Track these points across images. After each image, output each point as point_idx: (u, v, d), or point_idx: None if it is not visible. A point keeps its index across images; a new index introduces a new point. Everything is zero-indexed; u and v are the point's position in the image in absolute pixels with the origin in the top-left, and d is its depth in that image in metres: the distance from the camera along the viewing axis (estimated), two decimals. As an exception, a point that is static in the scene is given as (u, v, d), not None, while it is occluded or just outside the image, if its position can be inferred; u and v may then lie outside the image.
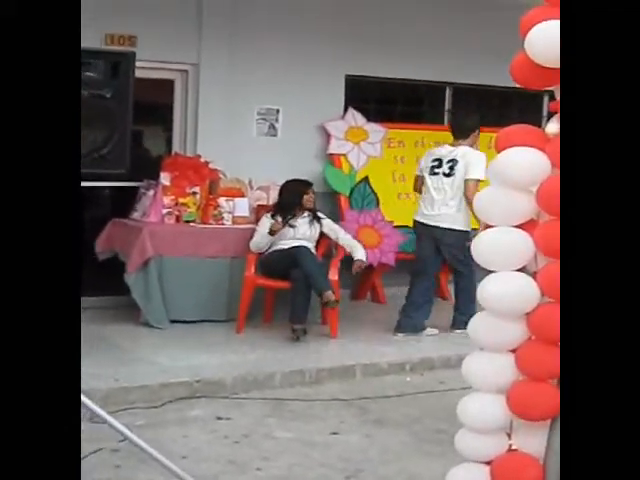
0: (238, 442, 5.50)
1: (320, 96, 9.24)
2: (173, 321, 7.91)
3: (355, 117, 9.42)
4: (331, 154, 9.33)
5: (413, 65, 9.55)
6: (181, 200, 8.21)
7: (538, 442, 2.85)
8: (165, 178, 8.21)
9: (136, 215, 8.26)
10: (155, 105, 9.09)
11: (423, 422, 5.97)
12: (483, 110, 9.66)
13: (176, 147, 8.89)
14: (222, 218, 8.28)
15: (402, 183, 9.49)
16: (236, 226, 8.27)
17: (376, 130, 9.48)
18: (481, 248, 2.80)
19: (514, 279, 2.78)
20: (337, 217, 9.05)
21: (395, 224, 9.36)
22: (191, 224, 8.20)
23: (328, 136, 9.30)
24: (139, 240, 7.73)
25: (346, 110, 9.44)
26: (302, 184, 8.10)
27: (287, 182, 8.13)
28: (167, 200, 8.16)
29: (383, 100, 9.97)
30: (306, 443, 5.52)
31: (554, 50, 2.56)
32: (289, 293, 7.70)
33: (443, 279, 9.38)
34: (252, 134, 9.02)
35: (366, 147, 9.41)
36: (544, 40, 2.67)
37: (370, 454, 5.40)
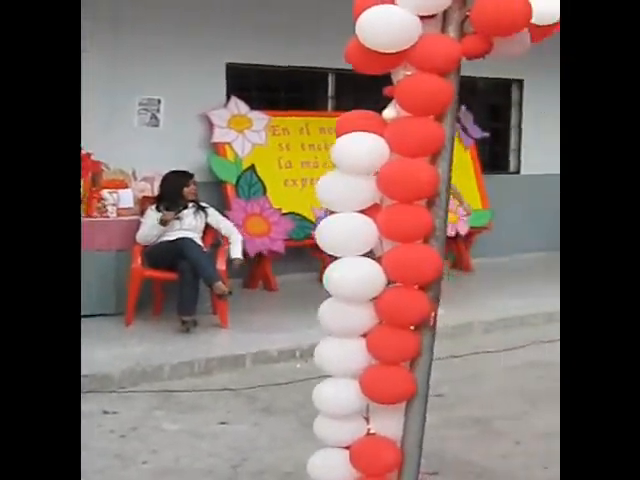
0: (125, 436, 5.47)
1: (202, 85, 9.19)
2: (60, 316, 7.79)
3: (238, 105, 9.40)
4: (215, 143, 9.29)
5: (295, 52, 9.57)
6: (63, 193, 8.07)
7: (395, 425, 2.89)
8: (46, 171, 8.06)
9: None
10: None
11: (311, 408, 5.99)
12: (365, 95, 9.73)
13: (57, 140, 8.72)
14: (106, 210, 8.20)
15: (288, 170, 9.53)
16: (121, 218, 8.20)
17: (260, 118, 9.47)
18: (325, 234, 2.82)
19: (359, 264, 2.80)
20: (224, 206, 9.03)
21: (283, 211, 9.38)
22: (75, 218, 8.07)
23: (211, 125, 9.26)
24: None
25: (229, 99, 9.41)
26: (182, 176, 8.05)
27: (167, 174, 8.09)
28: (49, 194, 8.02)
29: (265, 88, 9.96)
30: (194, 434, 5.52)
31: (384, 35, 2.61)
32: (176, 285, 7.66)
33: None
34: (134, 125, 8.92)
35: (250, 135, 9.40)
36: (374, 25, 2.70)
37: (258, 442, 5.42)
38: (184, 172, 8.10)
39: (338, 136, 2.85)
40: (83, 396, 6.05)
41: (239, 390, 6.41)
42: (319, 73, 10.15)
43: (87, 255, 7.76)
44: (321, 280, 8.95)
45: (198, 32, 9.06)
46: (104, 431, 5.53)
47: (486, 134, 11.10)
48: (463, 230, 10.57)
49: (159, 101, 9.04)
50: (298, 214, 9.46)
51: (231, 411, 5.98)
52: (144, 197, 8.39)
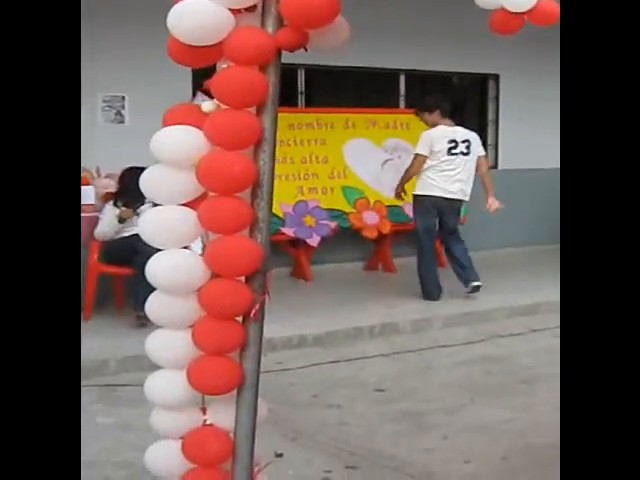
0: (54, 430, 5.50)
1: (167, 81, 9.18)
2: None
3: (205, 100, 9.38)
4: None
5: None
6: (24, 190, 8.14)
7: (230, 416, 2.90)
8: (7, 168, 8.13)
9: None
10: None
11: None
12: (336, 90, 9.78)
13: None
14: (71, 206, 8.23)
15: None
16: (82, 214, 8.21)
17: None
18: (147, 227, 2.84)
19: (178, 256, 2.82)
20: (190, 202, 9.04)
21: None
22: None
23: (178, 121, 9.26)
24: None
25: (194, 94, 9.42)
26: (141, 171, 8.03)
27: (125, 170, 8.11)
28: (10, 190, 8.09)
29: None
30: (124, 427, 5.55)
31: (193, 29, 2.64)
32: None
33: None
34: (98, 121, 8.97)
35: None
36: (182, 18, 2.72)
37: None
38: (142, 168, 8.08)
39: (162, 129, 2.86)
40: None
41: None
42: (289, 69, 10.14)
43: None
44: (293, 275, 9.04)
45: (162, 26, 9.03)
46: (34, 424, 5.56)
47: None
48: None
49: (123, 98, 9.08)
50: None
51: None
52: (108, 193, 8.42)
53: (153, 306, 2.88)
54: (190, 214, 2.76)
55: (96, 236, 7.90)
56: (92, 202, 8.33)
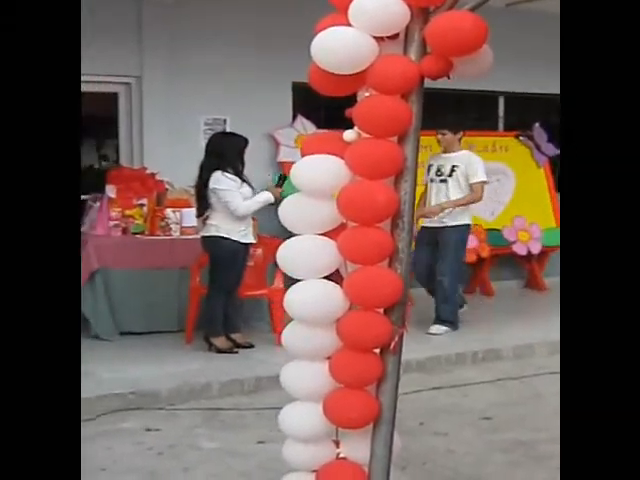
0: (162, 453, 5.52)
1: (268, 104, 9.26)
2: (124, 333, 7.93)
3: (304, 124, 9.44)
4: (281, 162, 9.34)
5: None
6: (128, 212, 8.24)
7: (364, 449, 2.85)
8: (111, 190, 8.24)
9: (83, 228, 8.29)
10: (101, 119, 9.13)
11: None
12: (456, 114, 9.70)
13: (122, 159, 8.91)
14: (170, 229, 8.30)
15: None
16: (184, 237, 8.29)
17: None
18: (286, 256, 2.80)
19: (319, 287, 2.78)
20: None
21: (349, 230, 9.35)
22: (138, 236, 8.22)
23: (277, 144, 9.32)
24: (84, 253, 7.76)
25: (295, 118, 9.46)
26: (232, 135, 7.64)
27: (220, 134, 7.93)
28: (114, 212, 8.19)
29: (332, 106, 9.94)
30: (229, 453, 5.53)
31: (337, 57, 2.60)
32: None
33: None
34: (200, 144, 9.00)
35: (317, 154, 9.41)
36: (327, 47, 2.69)
37: (294, 462, 5.40)
38: (231, 133, 7.85)
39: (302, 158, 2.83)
40: (130, 412, 6.18)
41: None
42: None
43: (149, 273, 7.94)
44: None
45: (264, 51, 9.14)
46: (143, 448, 5.58)
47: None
48: (535, 249, 10.41)
49: (225, 121, 9.15)
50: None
51: (273, 430, 5.94)
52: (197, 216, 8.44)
53: (290, 337, 2.84)
54: (330, 244, 2.72)
55: (242, 213, 7.29)
56: (194, 224, 8.36)
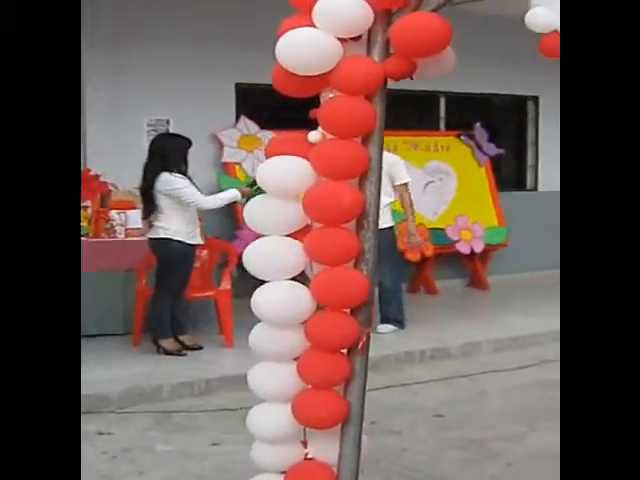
0: (116, 457, 5.47)
1: (211, 105, 9.24)
2: (69, 337, 7.84)
3: (247, 125, 9.43)
4: (225, 163, 9.33)
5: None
6: (72, 215, 8.13)
7: (332, 450, 2.86)
8: (54, 193, 8.14)
9: (27, 231, 8.18)
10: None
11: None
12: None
13: (65, 162, 8.81)
14: (115, 231, 8.24)
15: (298, 189, 9.51)
16: (129, 238, 8.23)
17: (269, 137, 9.46)
18: (251, 258, 2.80)
19: (284, 288, 2.78)
20: (234, 226, 9.05)
21: (294, 230, 9.36)
22: (83, 238, 8.13)
23: (220, 145, 9.30)
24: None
25: (238, 118, 9.44)
26: (183, 138, 7.50)
27: (163, 135, 7.98)
28: (57, 215, 8.09)
29: (276, 107, 9.95)
30: (184, 455, 5.50)
31: (302, 58, 2.61)
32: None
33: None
34: (143, 145, 8.94)
35: (260, 155, 9.39)
36: (291, 48, 2.70)
37: (248, 463, 5.38)
38: (174, 134, 7.85)
39: (267, 159, 2.83)
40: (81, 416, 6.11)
41: (238, 411, 6.36)
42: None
43: (95, 275, 7.85)
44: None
45: (207, 52, 9.11)
46: (96, 452, 5.53)
47: (501, 151, 11.03)
48: (478, 248, 10.52)
49: (168, 122, 9.09)
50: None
51: (226, 432, 5.95)
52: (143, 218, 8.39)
53: (257, 338, 2.84)
54: (296, 245, 2.73)
55: (208, 207, 7.37)
56: (139, 226, 8.30)
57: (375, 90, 2.71)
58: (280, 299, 2.76)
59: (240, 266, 7.81)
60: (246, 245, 8.04)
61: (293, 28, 2.72)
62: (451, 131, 10.99)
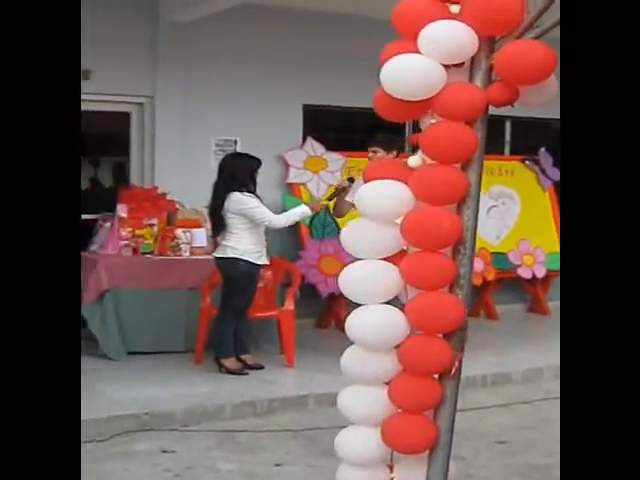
0: (179, 475, 5.48)
1: (278, 126, 9.28)
2: (132, 353, 7.90)
3: (314, 146, 9.46)
4: (290, 183, 9.36)
5: (371, 93, 9.57)
6: (138, 232, 8.23)
7: (419, 474, 2.85)
8: (122, 210, 8.23)
9: (94, 247, 8.28)
10: (112, 138, 9.12)
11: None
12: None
13: (133, 179, 8.90)
14: (180, 249, 8.28)
15: (362, 211, 9.51)
16: (194, 257, 8.27)
17: (335, 159, 9.52)
18: (347, 281, 2.81)
19: (380, 311, 2.78)
20: (298, 246, 9.07)
21: (356, 252, 9.36)
22: (148, 256, 8.20)
23: (287, 165, 9.34)
24: (94, 272, 7.74)
25: (305, 139, 9.48)
26: (252, 158, 7.55)
27: (233, 155, 7.92)
28: (124, 232, 8.18)
29: (342, 129, 10.00)
30: (247, 475, 5.50)
31: (407, 83, 2.61)
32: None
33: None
34: (210, 165, 9.02)
35: (325, 176, 9.45)
36: (397, 73, 2.70)
37: (312, 485, 5.39)
38: (243, 153, 7.81)
39: (365, 183, 2.84)
40: (144, 433, 6.15)
41: (299, 431, 6.37)
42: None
43: (158, 293, 7.91)
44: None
45: (275, 73, 9.18)
46: (159, 470, 5.55)
47: (566, 177, 10.94)
48: (540, 273, 10.45)
49: (235, 142, 9.15)
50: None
51: (289, 453, 5.95)
52: (212, 237, 8.44)
53: (348, 361, 2.84)
54: (392, 269, 2.73)
55: (277, 225, 7.39)
56: (204, 245, 8.35)
57: (477, 116, 2.71)
58: (375, 322, 2.76)
59: (302, 287, 7.90)
60: (307, 266, 8.19)
61: (397, 54, 2.72)
62: (516, 155, 10.94)
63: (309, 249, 9.15)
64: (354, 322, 2.81)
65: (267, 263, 7.51)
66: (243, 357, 7.62)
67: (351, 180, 7.77)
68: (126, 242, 8.16)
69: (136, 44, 8.58)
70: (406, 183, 2.76)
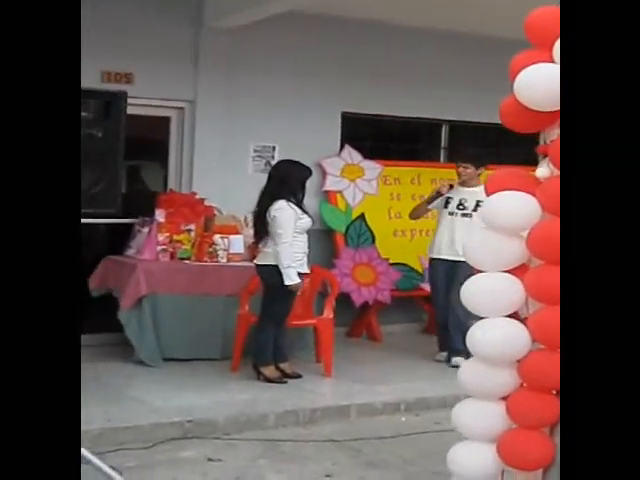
0: (230, 485, 5.43)
1: (316, 133, 9.22)
2: (167, 359, 7.82)
3: (351, 154, 9.41)
4: (327, 191, 9.31)
5: (409, 102, 9.57)
6: (176, 237, 8.16)
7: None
8: (160, 215, 8.17)
9: (131, 252, 8.21)
10: (151, 142, 9.06)
11: (418, 463, 5.87)
12: (479, 147, 9.68)
13: (171, 184, 8.85)
14: (217, 255, 8.21)
15: (398, 220, 9.47)
16: (231, 263, 8.20)
17: (372, 167, 9.47)
18: (471, 293, 2.73)
19: (504, 325, 2.70)
20: (333, 254, 9.02)
21: (391, 262, 9.31)
22: (186, 261, 8.14)
23: (324, 173, 9.28)
24: (133, 277, 7.67)
25: (342, 147, 9.43)
26: (295, 163, 7.46)
27: (285, 162, 7.61)
28: (162, 237, 8.11)
29: (379, 137, 9.95)
30: (298, 485, 5.45)
31: (543, 93, 2.54)
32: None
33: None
34: (248, 171, 8.98)
35: (362, 184, 9.40)
36: (533, 83, 2.63)
37: (364, 497, 5.32)
38: (294, 161, 7.52)
39: (488, 194, 2.76)
40: (188, 441, 6.08)
41: (343, 442, 6.30)
42: (432, 124, 10.11)
43: (195, 299, 7.84)
44: (426, 332, 8.85)
45: (314, 81, 9.14)
46: (208, 479, 5.48)
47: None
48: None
49: (274, 148, 9.09)
50: (406, 265, 9.42)
51: (336, 463, 5.88)
52: (253, 243, 8.37)
53: (466, 374, 2.76)
54: (516, 282, 2.65)
55: (281, 251, 7.10)
56: (241, 251, 8.29)
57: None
58: (499, 336, 2.69)
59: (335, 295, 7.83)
60: (341, 274, 8.12)
61: (530, 64, 2.66)
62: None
63: (344, 257, 9.09)
64: (477, 335, 2.73)
65: (308, 271, 7.43)
66: (282, 366, 7.55)
67: (451, 187, 7.85)
68: (163, 247, 8.09)
69: (179, 49, 8.54)
70: (532, 194, 2.68)
